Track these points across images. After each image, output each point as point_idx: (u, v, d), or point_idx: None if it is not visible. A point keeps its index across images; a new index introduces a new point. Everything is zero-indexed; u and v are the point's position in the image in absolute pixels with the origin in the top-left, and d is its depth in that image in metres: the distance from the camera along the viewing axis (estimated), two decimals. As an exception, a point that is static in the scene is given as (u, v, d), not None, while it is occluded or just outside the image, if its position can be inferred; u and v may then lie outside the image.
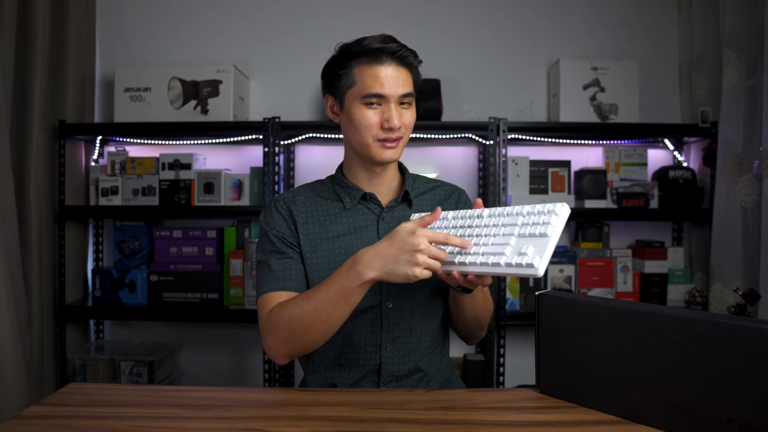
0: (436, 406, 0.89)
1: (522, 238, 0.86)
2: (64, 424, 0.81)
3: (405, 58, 1.07)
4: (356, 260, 0.95)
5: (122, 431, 0.79)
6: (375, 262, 0.92)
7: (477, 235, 0.92)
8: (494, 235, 0.90)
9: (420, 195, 1.20)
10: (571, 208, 2.03)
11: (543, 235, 0.83)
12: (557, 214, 0.84)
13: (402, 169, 1.22)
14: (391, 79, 1.06)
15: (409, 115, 1.09)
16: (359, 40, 1.08)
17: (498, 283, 2.01)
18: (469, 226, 0.95)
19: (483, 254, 0.89)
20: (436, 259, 0.91)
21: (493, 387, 2.04)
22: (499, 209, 0.93)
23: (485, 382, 2.03)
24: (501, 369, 2.05)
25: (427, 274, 0.90)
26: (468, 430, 0.80)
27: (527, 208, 0.89)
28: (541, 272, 0.81)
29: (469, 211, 0.98)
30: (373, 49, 1.06)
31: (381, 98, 1.06)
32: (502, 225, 0.90)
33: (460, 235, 0.95)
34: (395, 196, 1.17)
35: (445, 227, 0.99)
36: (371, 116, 1.07)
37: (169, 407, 0.89)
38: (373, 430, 0.80)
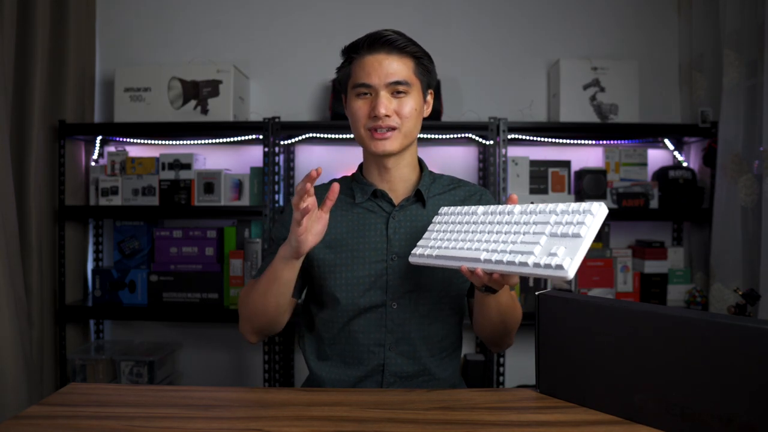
0: (436, 406, 0.89)
1: (553, 238, 0.82)
2: (64, 424, 0.81)
3: (394, 42, 1.05)
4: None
5: (122, 431, 0.79)
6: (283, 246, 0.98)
7: (506, 232, 0.88)
8: (524, 233, 0.86)
9: (438, 194, 1.16)
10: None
11: (576, 235, 0.79)
12: (593, 213, 0.80)
13: (421, 166, 1.18)
14: (378, 67, 1.04)
15: (405, 104, 1.06)
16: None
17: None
18: (498, 222, 0.91)
19: (510, 252, 0.85)
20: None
21: (493, 387, 2.04)
22: (532, 206, 0.89)
23: (485, 382, 2.03)
24: (501, 369, 2.05)
25: (300, 203, 0.90)
26: (468, 430, 0.80)
27: (561, 206, 0.84)
28: (571, 275, 0.77)
29: (500, 206, 0.94)
30: (362, 41, 1.06)
31: (367, 87, 1.05)
32: (533, 223, 0.86)
33: (489, 232, 0.91)
34: (410, 194, 1.14)
35: (474, 222, 0.96)
36: (360, 106, 1.06)
37: (169, 407, 0.89)
38: (374, 430, 0.80)
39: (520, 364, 2.19)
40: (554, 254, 0.79)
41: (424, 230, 1.10)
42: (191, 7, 2.29)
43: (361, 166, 1.19)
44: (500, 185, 2.03)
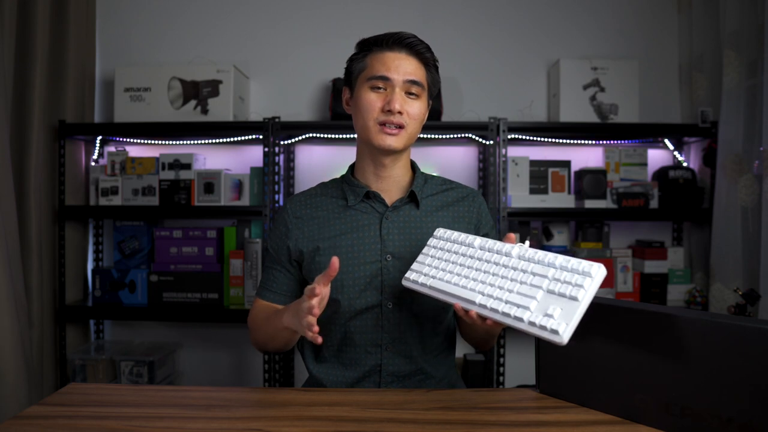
0: (436, 406, 0.89)
1: (550, 295, 0.81)
2: (64, 424, 0.81)
3: (414, 46, 1.08)
4: (290, 307, 1.01)
5: (122, 431, 0.79)
6: (290, 315, 0.99)
7: (502, 276, 0.88)
8: (521, 282, 0.85)
9: (431, 196, 1.17)
10: (571, 208, 2.06)
11: (573, 298, 0.78)
12: (592, 276, 0.79)
13: (414, 167, 1.20)
14: (398, 64, 1.07)
15: (415, 106, 1.09)
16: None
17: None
18: (495, 263, 0.91)
19: (506, 302, 0.84)
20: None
21: (493, 387, 2.04)
22: (531, 252, 0.88)
23: (485, 382, 2.03)
24: (501, 369, 2.05)
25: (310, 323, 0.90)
26: (468, 430, 0.80)
27: (560, 260, 0.83)
28: (565, 341, 0.76)
29: (498, 243, 0.93)
30: (386, 37, 1.09)
31: (386, 81, 1.07)
32: (531, 273, 0.85)
33: (485, 271, 0.91)
34: (403, 195, 1.15)
35: (470, 255, 0.95)
36: (374, 99, 1.07)
37: (169, 407, 0.89)
38: (373, 430, 0.80)
39: (520, 364, 2.19)
40: (550, 315, 0.78)
41: (418, 231, 1.12)
42: (191, 7, 2.29)
43: (351, 168, 1.20)
44: (500, 185, 2.03)
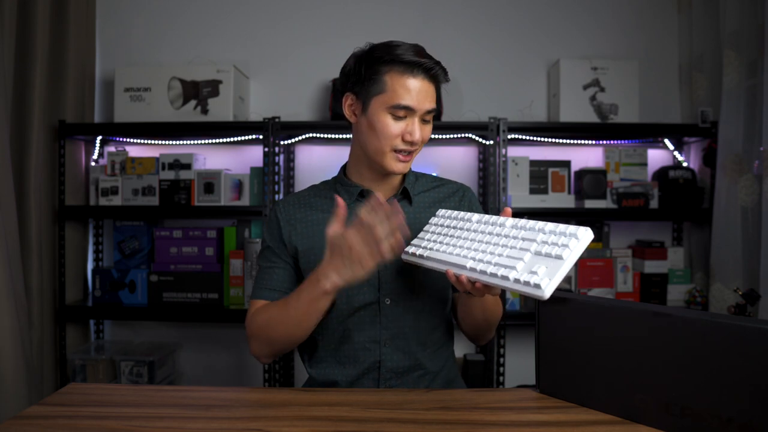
0: (436, 406, 0.89)
1: (537, 256, 0.85)
2: (64, 424, 0.81)
3: (437, 75, 1.08)
4: (317, 272, 0.99)
5: (122, 431, 0.79)
6: (330, 271, 0.97)
7: (494, 244, 0.92)
8: (511, 247, 0.89)
9: (423, 192, 1.19)
10: (571, 208, 2.06)
11: (558, 257, 0.81)
12: (578, 238, 0.82)
13: None
14: (421, 93, 1.06)
15: (427, 130, 1.10)
16: (391, 46, 1.06)
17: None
18: (489, 233, 0.94)
19: (495, 264, 0.88)
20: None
21: (493, 387, 2.04)
22: (523, 221, 0.92)
23: (485, 382, 2.03)
24: (501, 369, 2.05)
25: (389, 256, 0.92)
26: (468, 430, 0.80)
27: (550, 226, 0.87)
28: (547, 295, 0.80)
29: (494, 217, 0.97)
30: (408, 61, 1.05)
31: (408, 111, 1.06)
32: (522, 238, 0.89)
33: (479, 241, 0.94)
34: (396, 192, 1.17)
35: (467, 228, 0.99)
36: (394, 127, 1.06)
37: (169, 407, 0.89)
38: (373, 430, 0.80)
39: (520, 364, 2.19)
40: (534, 273, 0.82)
41: (412, 227, 1.13)
42: (191, 7, 2.29)
43: (343, 169, 1.20)
44: (500, 185, 2.03)
